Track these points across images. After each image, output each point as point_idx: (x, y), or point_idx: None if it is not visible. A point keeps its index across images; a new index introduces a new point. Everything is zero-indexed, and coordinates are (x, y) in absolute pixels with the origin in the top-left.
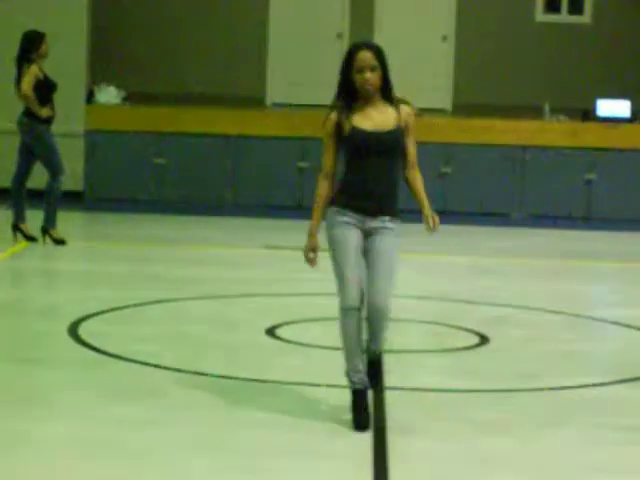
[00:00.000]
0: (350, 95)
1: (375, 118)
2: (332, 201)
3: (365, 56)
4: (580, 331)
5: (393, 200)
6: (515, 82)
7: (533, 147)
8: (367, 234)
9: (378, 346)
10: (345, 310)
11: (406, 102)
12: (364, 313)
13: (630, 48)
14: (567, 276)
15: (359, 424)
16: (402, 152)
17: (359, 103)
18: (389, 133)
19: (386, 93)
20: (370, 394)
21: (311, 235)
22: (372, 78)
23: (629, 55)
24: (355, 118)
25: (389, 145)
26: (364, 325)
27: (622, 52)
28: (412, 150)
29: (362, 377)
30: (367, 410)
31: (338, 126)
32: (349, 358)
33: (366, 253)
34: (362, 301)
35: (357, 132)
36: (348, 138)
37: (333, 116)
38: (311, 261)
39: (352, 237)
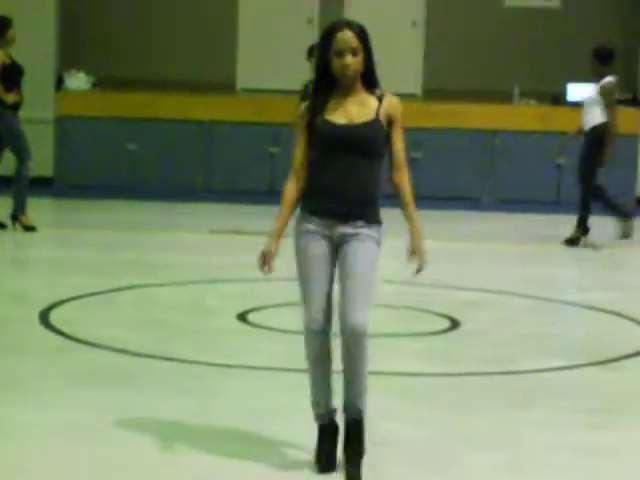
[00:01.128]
0: (328, 81)
1: (351, 110)
2: (300, 206)
3: (346, 37)
4: (550, 314)
5: (369, 203)
6: (485, 67)
7: (503, 131)
8: (338, 242)
9: (355, 398)
10: (306, 331)
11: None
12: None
13: (599, 32)
14: (537, 260)
15: (320, 465)
16: (384, 150)
17: (337, 91)
18: (364, 126)
19: (369, 80)
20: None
21: (270, 237)
22: (353, 63)
23: (598, 39)
24: (328, 109)
25: (362, 140)
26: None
27: (592, 36)
28: (398, 147)
29: (324, 413)
30: (331, 449)
31: (309, 119)
32: (312, 388)
33: (338, 265)
34: (329, 321)
35: (325, 125)
36: (316, 132)
37: (303, 108)
38: (261, 267)
39: (316, 247)
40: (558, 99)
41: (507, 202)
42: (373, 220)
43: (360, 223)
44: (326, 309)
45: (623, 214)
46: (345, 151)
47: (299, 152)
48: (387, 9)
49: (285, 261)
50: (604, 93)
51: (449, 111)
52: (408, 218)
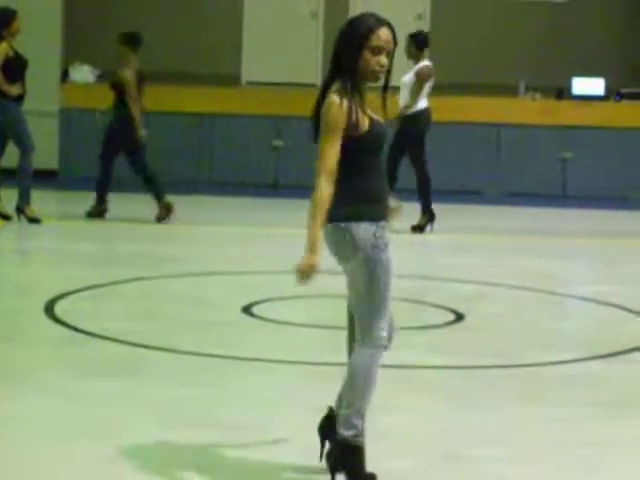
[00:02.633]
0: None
1: (371, 109)
2: (360, 214)
3: (387, 36)
4: (555, 308)
5: None
6: (490, 60)
7: (508, 125)
8: None
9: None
10: (378, 351)
11: None
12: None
13: (604, 26)
14: (542, 253)
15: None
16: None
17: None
18: (387, 125)
19: (385, 83)
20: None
21: (315, 251)
22: (386, 65)
23: (603, 33)
24: (362, 109)
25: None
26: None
27: (597, 30)
28: None
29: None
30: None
31: (350, 117)
32: (363, 410)
33: None
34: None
35: (376, 125)
36: (367, 134)
37: (345, 104)
38: (301, 281)
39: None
40: (563, 93)
41: (512, 196)
42: None
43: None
44: None
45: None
46: (380, 152)
47: (335, 151)
48: (392, 2)
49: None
50: (418, 77)
51: (454, 105)
52: None
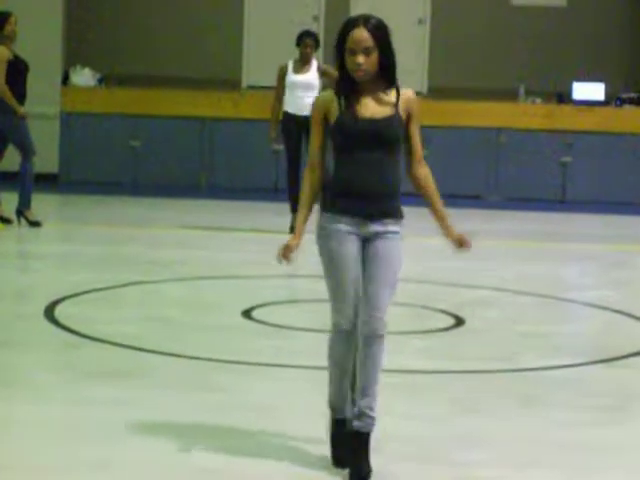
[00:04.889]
0: (349, 77)
1: (372, 105)
2: (323, 206)
3: (359, 36)
4: (555, 313)
5: (395, 199)
6: (490, 65)
7: (508, 130)
8: (366, 240)
9: (369, 402)
10: (337, 333)
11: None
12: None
13: (605, 31)
14: (542, 258)
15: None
16: (403, 145)
17: (358, 87)
18: (385, 121)
19: (388, 77)
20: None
21: (297, 234)
22: (366, 63)
23: (604, 38)
24: (350, 104)
25: (385, 135)
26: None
27: (597, 35)
28: (416, 141)
29: (345, 407)
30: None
31: (325, 112)
32: (330, 390)
33: (364, 262)
34: (356, 322)
35: (344, 119)
36: (335, 126)
37: (321, 100)
38: (280, 257)
39: (349, 247)
40: (564, 97)
41: (512, 200)
42: (399, 216)
43: (388, 220)
44: (356, 310)
45: None
46: (369, 147)
47: (315, 143)
48: (393, 6)
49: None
50: None
51: (454, 109)
52: (435, 208)
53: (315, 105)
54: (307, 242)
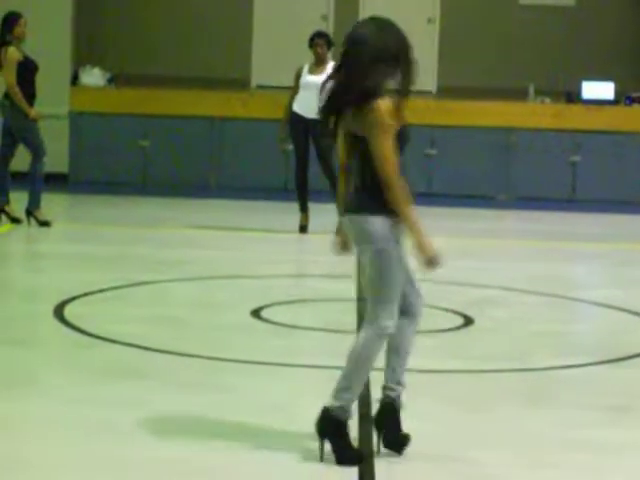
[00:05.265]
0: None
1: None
2: (384, 211)
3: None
4: (564, 312)
5: None
6: (499, 64)
7: (518, 129)
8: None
9: (402, 376)
10: (383, 336)
11: None
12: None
13: (614, 30)
14: (551, 258)
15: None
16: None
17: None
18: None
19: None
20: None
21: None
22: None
23: (613, 37)
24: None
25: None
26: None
27: (606, 34)
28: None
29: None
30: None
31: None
32: (357, 389)
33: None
34: None
35: (407, 126)
36: (401, 132)
37: (392, 104)
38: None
39: (405, 256)
40: (573, 97)
41: (522, 200)
42: None
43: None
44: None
45: None
46: (403, 152)
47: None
48: (402, 6)
49: (292, 258)
50: None
51: (464, 109)
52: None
53: (387, 108)
54: (310, 242)
